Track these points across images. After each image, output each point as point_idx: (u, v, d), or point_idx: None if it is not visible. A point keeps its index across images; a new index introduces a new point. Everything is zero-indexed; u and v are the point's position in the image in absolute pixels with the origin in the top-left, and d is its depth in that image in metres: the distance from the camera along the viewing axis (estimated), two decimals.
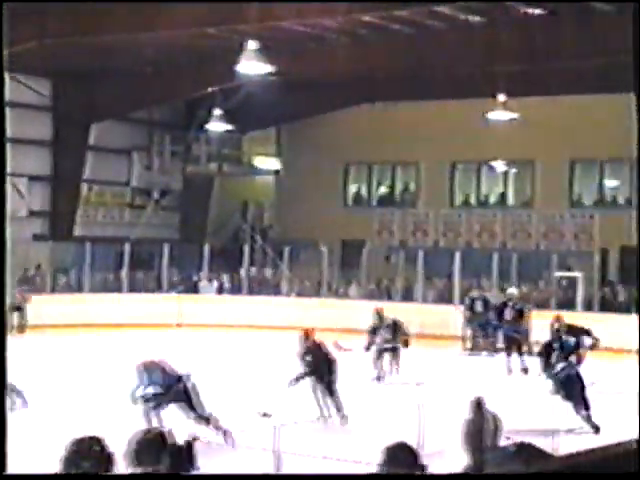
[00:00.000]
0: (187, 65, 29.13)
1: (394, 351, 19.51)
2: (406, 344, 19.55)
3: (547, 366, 15.20)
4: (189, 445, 7.83)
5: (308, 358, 15.25)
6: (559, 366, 14.82)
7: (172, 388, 13.00)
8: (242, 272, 31.99)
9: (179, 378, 13.13)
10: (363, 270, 31.02)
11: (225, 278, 32.03)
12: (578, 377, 14.61)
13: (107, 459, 5.04)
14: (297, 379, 15.36)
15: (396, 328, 19.57)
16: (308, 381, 15.33)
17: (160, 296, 30.41)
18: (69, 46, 26.02)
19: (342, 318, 27.38)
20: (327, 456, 11.18)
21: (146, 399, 12.95)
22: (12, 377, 11.07)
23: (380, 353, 19.42)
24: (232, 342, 25.49)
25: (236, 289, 31.71)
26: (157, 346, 24.29)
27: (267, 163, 37.02)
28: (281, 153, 37.17)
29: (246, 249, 32.48)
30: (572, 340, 15.83)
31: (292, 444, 10.93)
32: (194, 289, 31.46)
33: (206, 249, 31.77)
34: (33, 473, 6.45)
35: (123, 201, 34.29)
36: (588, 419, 14.18)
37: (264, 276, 32.63)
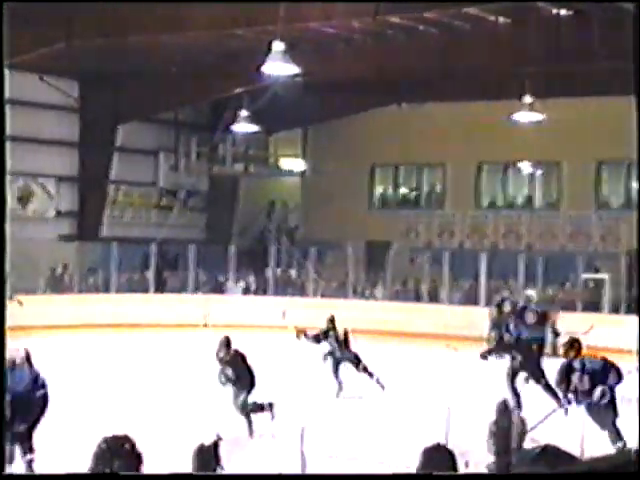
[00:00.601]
0: (213, 66, 29.19)
1: (342, 361, 17.96)
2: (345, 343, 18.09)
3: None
4: (215, 445, 7.90)
5: (229, 372, 14.44)
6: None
7: (34, 392, 11.18)
8: (268, 273, 32.07)
9: (43, 384, 11.31)
10: (389, 271, 31.03)
11: (251, 279, 32.10)
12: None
13: (137, 458, 5.09)
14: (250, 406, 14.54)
15: (342, 339, 18.03)
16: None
17: (186, 297, 30.54)
18: (96, 48, 26.16)
19: (368, 319, 27.39)
20: (353, 457, 11.22)
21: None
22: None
23: (335, 365, 18.00)
24: (258, 343, 25.52)
25: (262, 290, 31.80)
26: (183, 347, 24.45)
27: (293, 164, 37.10)
28: (307, 154, 37.22)
29: (272, 250, 32.55)
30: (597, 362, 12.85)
31: (317, 445, 10.96)
32: (220, 290, 31.56)
33: (232, 250, 31.86)
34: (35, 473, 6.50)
35: (150, 202, 34.42)
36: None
37: (290, 277, 32.67)
